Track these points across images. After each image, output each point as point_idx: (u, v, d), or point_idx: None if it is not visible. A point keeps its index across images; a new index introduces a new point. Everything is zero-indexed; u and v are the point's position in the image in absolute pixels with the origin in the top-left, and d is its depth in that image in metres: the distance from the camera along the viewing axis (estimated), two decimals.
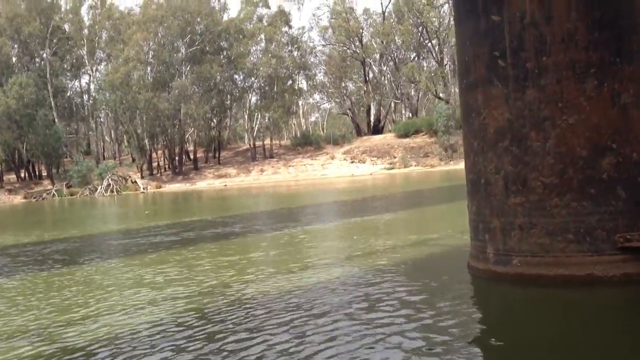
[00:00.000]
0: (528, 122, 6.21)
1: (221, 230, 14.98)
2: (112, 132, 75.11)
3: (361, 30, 73.02)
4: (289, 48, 70.43)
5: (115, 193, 56.51)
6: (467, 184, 7.16)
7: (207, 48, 65.55)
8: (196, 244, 12.45)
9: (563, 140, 6.05)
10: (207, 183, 61.47)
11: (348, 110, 78.07)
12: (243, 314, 6.10)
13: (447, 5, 64.18)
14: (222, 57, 67.00)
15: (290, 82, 69.80)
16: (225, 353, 4.91)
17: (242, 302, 6.64)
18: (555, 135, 6.07)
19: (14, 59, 69.09)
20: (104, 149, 75.32)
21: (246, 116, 72.55)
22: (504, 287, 6.35)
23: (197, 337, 5.37)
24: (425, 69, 69.90)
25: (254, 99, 71.54)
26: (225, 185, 58.13)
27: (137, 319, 6.17)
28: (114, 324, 6.02)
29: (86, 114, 75.61)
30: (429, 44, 69.41)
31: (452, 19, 55.70)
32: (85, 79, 76.80)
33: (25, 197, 58.30)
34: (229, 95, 69.75)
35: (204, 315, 6.14)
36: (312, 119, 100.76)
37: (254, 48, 70.30)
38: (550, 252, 6.02)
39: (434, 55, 68.48)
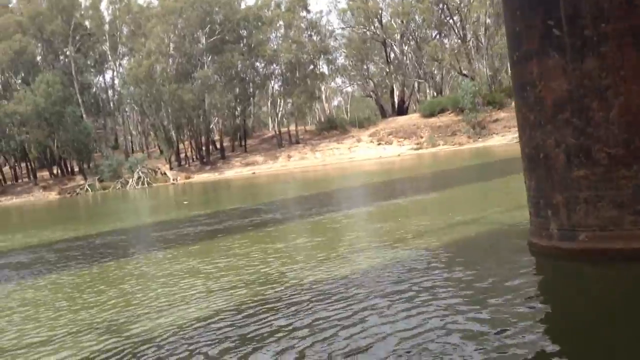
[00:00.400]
0: (589, 92, 6.00)
1: (261, 218, 14.98)
2: (138, 125, 75.78)
3: (380, 11, 72.16)
4: (309, 33, 70.06)
5: (146, 185, 57.16)
6: (523, 160, 6.98)
7: (227, 37, 65.54)
8: (240, 233, 12.46)
9: (627, 109, 5.84)
10: (235, 172, 61.75)
11: (371, 93, 77.54)
12: (305, 300, 6.05)
13: None
14: (242, 45, 66.97)
15: (311, 67, 69.46)
16: (295, 341, 4.86)
17: (300, 289, 6.57)
18: (618, 104, 5.86)
19: (38, 58, 69.96)
20: (132, 142, 76.05)
21: (269, 103, 72.64)
22: (570, 263, 6.19)
23: (263, 326, 5.33)
24: (447, 46, 68.90)
25: (276, 86, 71.58)
26: (254, 173, 58.31)
27: (200, 309, 6.16)
28: (178, 315, 6.02)
29: (112, 108, 76.43)
30: (451, 21, 68.30)
31: None
32: (109, 74, 77.76)
33: (59, 193, 59.29)
34: (251, 83, 69.78)
35: (265, 303, 6.11)
36: (335, 103, 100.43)
37: (273, 35, 70.15)
38: (620, 226, 5.84)
39: (456, 32, 67.38)
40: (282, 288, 6.74)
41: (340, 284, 6.56)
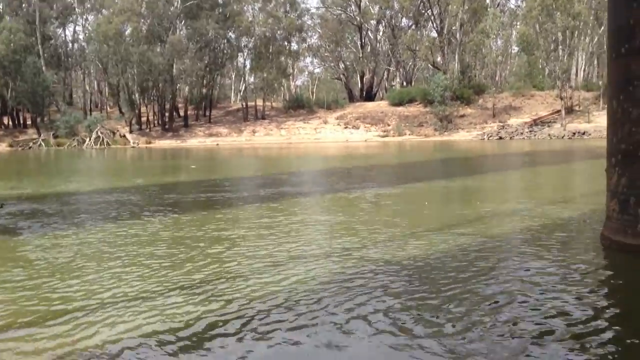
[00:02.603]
0: None
1: (279, 190, 14.52)
2: (99, 84, 73.31)
3: None
4: (286, 8, 69.03)
5: (105, 146, 55.46)
6: (613, 155, 6.82)
7: (203, 3, 63.84)
8: (282, 200, 12.05)
9: None
10: (197, 141, 60.59)
11: (342, 75, 77.17)
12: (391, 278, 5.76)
13: None
14: (217, 13, 65.41)
15: (286, 43, 68.54)
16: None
17: (383, 264, 6.35)
18: None
19: (1, 4, 66.55)
20: (90, 101, 73.45)
21: (236, 75, 71.41)
22: None
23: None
24: (424, 38, 69.09)
25: (242, 59, 70.43)
26: (217, 144, 57.35)
27: (284, 277, 5.89)
28: (263, 280, 5.74)
29: (73, 63, 73.54)
30: (429, 12, 68.39)
31: None
32: (72, 28, 74.79)
33: (10, 146, 56.88)
34: (221, 54, 68.35)
35: (348, 277, 5.81)
36: (298, 82, 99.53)
37: (250, 7, 68.78)
38: None
39: (435, 24, 67.56)
40: (354, 263, 6.44)
41: (405, 265, 6.29)
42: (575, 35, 58.01)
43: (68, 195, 14.27)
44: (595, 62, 69.69)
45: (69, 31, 74.27)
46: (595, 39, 63.14)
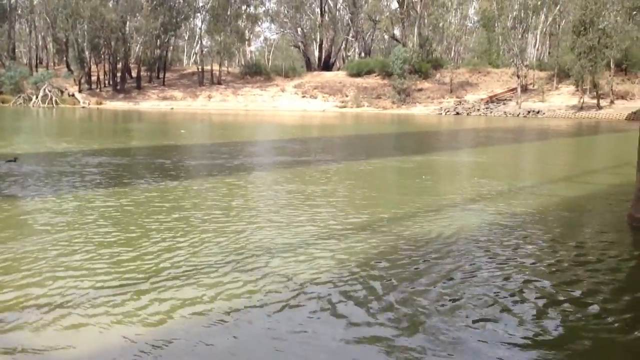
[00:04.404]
0: None
1: (294, 159, 14.04)
2: (46, 39, 69.70)
3: None
4: None
5: (53, 105, 52.99)
6: None
7: None
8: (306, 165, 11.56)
9: None
10: (151, 104, 58.69)
11: (300, 43, 75.97)
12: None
13: None
14: None
15: (244, 6, 66.73)
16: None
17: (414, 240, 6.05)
18: None
19: None
20: (37, 56, 69.82)
21: (189, 38, 69.12)
22: None
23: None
24: (385, 9, 68.57)
25: (198, 21, 68.28)
26: (172, 108, 55.69)
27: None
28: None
29: (17, 16, 69.49)
30: None
31: None
32: None
33: None
34: (177, 13, 65.89)
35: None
36: (253, 48, 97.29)
37: None
38: None
39: None
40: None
41: (436, 241, 6.10)
42: (533, 13, 58.73)
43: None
44: (548, 42, 70.94)
45: None
46: (550, 19, 64.08)
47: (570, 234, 6.72)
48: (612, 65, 49.28)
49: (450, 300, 4.46)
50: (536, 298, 4.56)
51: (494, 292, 4.64)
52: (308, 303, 4.36)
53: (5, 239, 5.91)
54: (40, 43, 72.31)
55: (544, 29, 63.77)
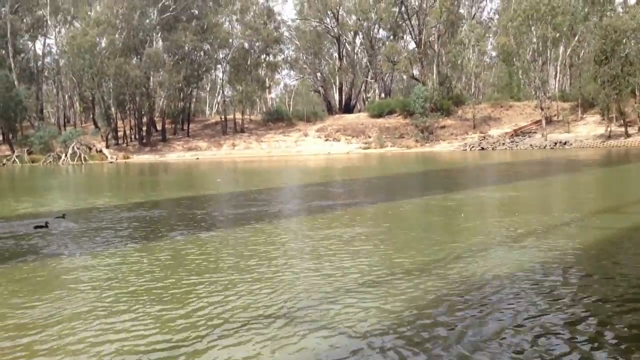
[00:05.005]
0: None
1: (334, 202, 13.92)
2: (73, 98, 71.56)
3: (338, 7, 71.43)
4: (263, 20, 68.45)
5: (82, 162, 53.97)
6: None
7: (181, 15, 62.98)
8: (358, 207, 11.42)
9: None
10: (176, 155, 59.47)
11: (320, 87, 76.83)
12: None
13: None
14: (194, 25, 64.50)
15: (264, 55, 67.93)
16: None
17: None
18: None
19: None
20: (65, 115, 71.62)
21: (211, 89, 70.36)
22: None
23: None
24: (403, 49, 69.24)
25: (220, 73, 69.58)
26: (198, 158, 56.36)
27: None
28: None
29: (45, 78, 71.70)
30: (407, 23, 68.53)
31: None
32: (42, 41, 72.63)
33: None
34: (198, 66, 67.30)
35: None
36: (273, 95, 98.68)
37: (227, 18, 68.11)
38: None
39: (413, 35, 67.76)
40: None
41: (483, 281, 5.84)
42: (552, 45, 58.70)
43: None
44: (569, 73, 70.64)
45: (40, 44, 71.72)
46: (569, 50, 64.01)
47: (631, 267, 6.40)
48: (637, 93, 48.76)
49: (522, 349, 4.19)
50: (617, 344, 4.26)
51: (568, 338, 4.35)
52: (376, 356, 4.12)
53: (55, 299, 5.80)
54: (67, 102, 74.27)
55: (564, 60, 63.68)
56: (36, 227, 10.72)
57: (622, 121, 49.14)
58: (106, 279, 6.65)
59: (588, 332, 4.48)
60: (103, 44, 59.71)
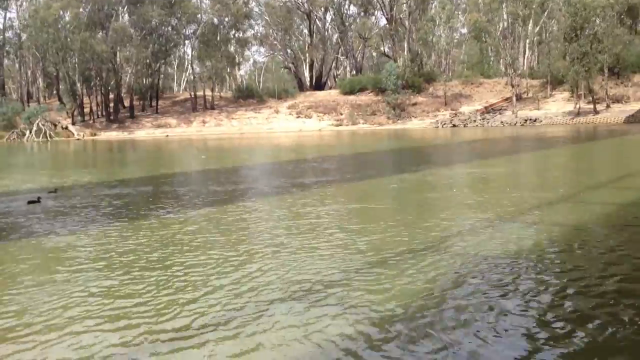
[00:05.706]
0: None
1: (344, 176, 13.62)
2: (36, 74, 69.34)
3: None
4: None
5: (47, 139, 52.51)
6: None
7: None
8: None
9: None
10: (146, 132, 58.30)
11: (291, 64, 75.99)
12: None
13: None
14: None
15: (233, 31, 66.73)
16: None
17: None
18: None
19: None
20: (28, 91, 69.39)
21: (179, 65, 68.94)
22: None
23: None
24: (373, 25, 68.78)
25: (188, 49, 68.21)
26: (167, 135, 55.37)
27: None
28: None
29: (6, 52, 69.18)
30: (380, 0, 68.00)
31: None
32: (2, 14, 70.00)
33: None
34: (166, 41, 65.72)
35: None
36: (242, 72, 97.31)
37: None
38: None
39: (384, 12, 67.26)
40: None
41: (514, 257, 5.72)
42: (522, 23, 59.01)
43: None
44: (537, 50, 71.24)
45: (1, 18, 69.21)
46: (537, 27, 64.41)
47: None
48: (605, 70, 49.42)
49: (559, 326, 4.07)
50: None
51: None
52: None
53: (49, 281, 5.48)
54: (29, 78, 71.95)
55: (533, 37, 64.13)
56: (29, 202, 10.73)
57: (590, 98, 49.85)
58: (94, 258, 6.33)
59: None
60: (67, 18, 57.84)
